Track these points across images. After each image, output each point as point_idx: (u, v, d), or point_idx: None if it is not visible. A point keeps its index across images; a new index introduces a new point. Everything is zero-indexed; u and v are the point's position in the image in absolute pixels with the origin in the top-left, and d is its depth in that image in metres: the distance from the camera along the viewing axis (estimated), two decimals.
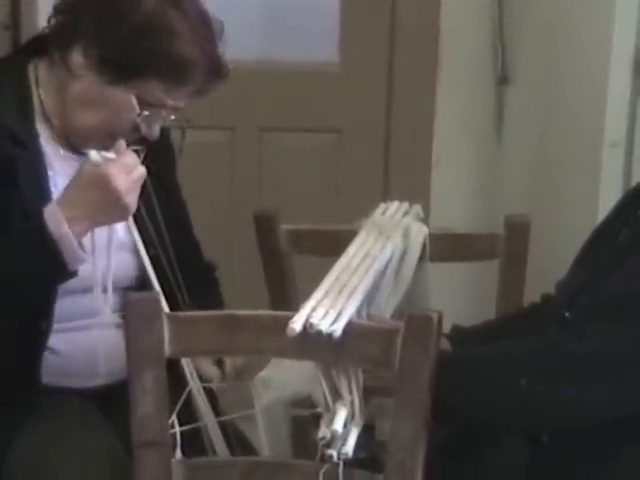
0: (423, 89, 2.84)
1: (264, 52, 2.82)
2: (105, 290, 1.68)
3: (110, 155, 1.58)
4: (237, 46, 2.75)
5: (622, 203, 1.72)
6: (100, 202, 1.57)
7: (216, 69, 1.69)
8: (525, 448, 1.70)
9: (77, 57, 1.65)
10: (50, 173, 1.71)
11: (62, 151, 1.74)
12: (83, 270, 1.63)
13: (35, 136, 1.70)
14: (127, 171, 1.57)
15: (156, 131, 1.69)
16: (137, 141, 1.71)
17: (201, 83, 1.68)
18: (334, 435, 1.45)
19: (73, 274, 1.61)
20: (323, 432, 1.46)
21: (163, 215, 1.83)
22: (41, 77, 1.71)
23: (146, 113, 1.66)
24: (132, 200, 1.58)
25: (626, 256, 1.59)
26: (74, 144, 1.73)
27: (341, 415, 1.48)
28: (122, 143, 1.60)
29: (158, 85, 1.65)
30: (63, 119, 1.71)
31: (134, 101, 1.65)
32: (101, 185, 1.55)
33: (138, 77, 1.64)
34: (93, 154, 1.57)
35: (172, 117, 1.70)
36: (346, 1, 2.82)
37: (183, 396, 1.64)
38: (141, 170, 1.59)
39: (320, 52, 2.86)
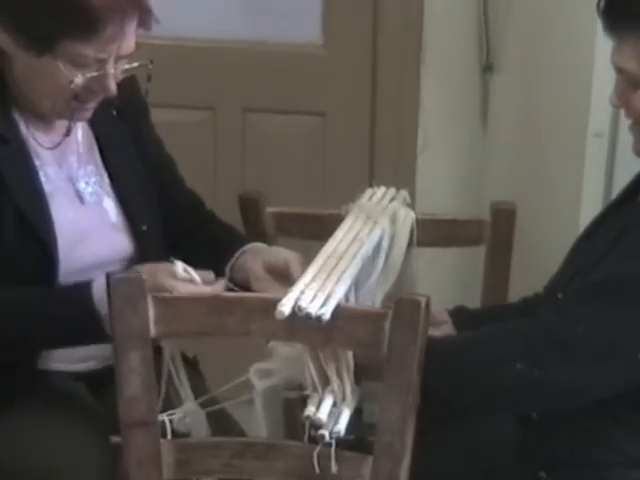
0: (408, 75, 2.83)
1: (247, 31, 2.79)
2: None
3: (197, 278, 1.55)
4: (220, 25, 2.75)
5: (630, 186, 1.72)
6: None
7: (128, 5, 1.59)
8: (514, 425, 1.73)
9: (5, 39, 1.61)
10: (37, 163, 1.69)
11: (42, 141, 1.71)
12: (81, 253, 1.65)
13: (15, 126, 1.67)
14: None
15: (111, 87, 1.63)
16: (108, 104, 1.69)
17: (119, 26, 1.59)
18: (319, 421, 1.46)
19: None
20: (308, 410, 1.48)
21: (150, 164, 1.82)
22: (6, 68, 1.67)
23: (79, 76, 1.60)
24: None
25: (620, 239, 1.60)
26: (50, 119, 1.70)
27: (327, 402, 1.49)
28: (211, 275, 1.57)
29: (80, 44, 1.58)
30: (26, 99, 1.67)
31: (62, 67, 1.59)
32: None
33: (54, 43, 1.58)
34: (179, 266, 1.56)
35: (127, 67, 1.65)
36: None
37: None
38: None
39: (303, 33, 2.83)
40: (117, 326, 1.48)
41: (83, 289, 1.59)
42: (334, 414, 1.49)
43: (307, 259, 1.65)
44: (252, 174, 2.80)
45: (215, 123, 2.81)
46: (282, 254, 1.74)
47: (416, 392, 1.46)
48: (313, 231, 1.92)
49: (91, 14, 1.55)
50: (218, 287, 1.59)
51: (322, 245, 1.69)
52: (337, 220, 1.81)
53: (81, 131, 1.76)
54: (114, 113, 1.77)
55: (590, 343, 1.52)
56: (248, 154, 2.82)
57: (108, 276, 1.48)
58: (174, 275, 1.55)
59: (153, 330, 1.49)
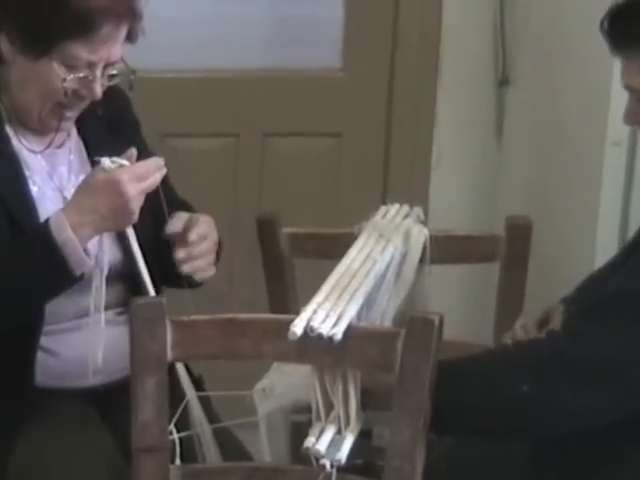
0: (424, 91, 2.84)
1: (268, 59, 2.84)
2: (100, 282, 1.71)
3: (124, 162, 1.63)
4: (241, 53, 2.79)
5: None
6: (108, 208, 1.62)
7: (123, 9, 1.70)
8: (527, 447, 1.69)
9: (5, 45, 1.71)
10: (27, 173, 1.76)
11: (32, 147, 1.78)
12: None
13: (7, 139, 1.75)
14: (138, 179, 1.62)
15: (97, 91, 1.72)
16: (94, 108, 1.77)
17: (115, 26, 1.69)
18: (317, 454, 1.46)
19: (79, 278, 1.64)
20: (308, 442, 1.47)
21: None
22: (1, 81, 1.76)
23: (71, 76, 1.69)
24: (137, 207, 1.62)
25: (634, 251, 1.59)
26: (36, 129, 1.77)
27: (329, 432, 1.48)
28: (133, 150, 1.65)
29: (74, 45, 1.67)
30: (16, 108, 1.76)
31: (56, 68, 1.68)
32: (112, 191, 1.61)
33: (54, 44, 1.67)
34: (106, 162, 1.62)
35: (113, 72, 1.74)
36: (349, 7, 2.84)
37: (181, 407, 1.65)
38: (154, 179, 1.64)
39: (323, 57, 2.87)
40: (136, 350, 1.49)
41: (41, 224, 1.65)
42: (337, 441, 1.48)
43: (321, 279, 1.65)
44: (271, 195, 2.82)
45: (238, 149, 2.84)
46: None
47: (427, 414, 1.44)
48: (327, 250, 1.90)
49: (89, 13, 1.65)
50: (151, 163, 1.65)
51: (336, 264, 1.68)
52: (351, 239, 1.81)
53: (74, 143, 1.84)
54: (106, 127, 1.85)
55: (598, 362, 1.49)
56: (267, 176, 2.85)
57: (130, 300, 1.52)
58: (105, 170, 1.62)
59: (170, 354, 1.51)
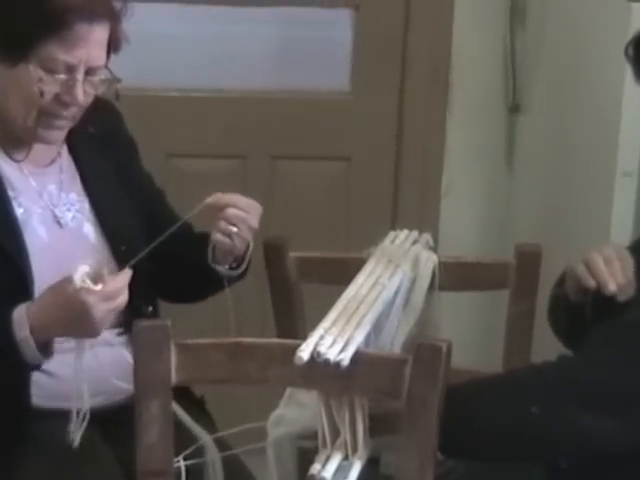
0: (434, 116, 2.84)
1: (276, 80, 2.84)
2: None
3: (95, 288, 1.58)
4: (249, 74, 2.79)
5: None
6: (70, 323, 1.60)
7: (98, 7, 1.70)
8: (541, 474, 1.68)
9: None
10: (12, 194, 1.75)
11: (18, 166, 1.77)
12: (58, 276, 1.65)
13: None
14: (107, 299, 1.59)
15: (78, 95, 1.70)
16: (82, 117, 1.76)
17: (88, 24, 1.68)
18: (323, 479, 1.44)
19: (35, 368, 1.66)
20: (313, 469, 1.45)
21: (135, 196, 1.87)
22: None
23: (48, 76, 1.67)
24: (103, 326, 1.61)
25: None
26: (23, 139, 1.75)
27: (335, 459, 1.47)
28: (104, 271, 1.61)
29: (49, 45, 1.67)
30: (2, 119, 1.75)
31: (33, 70, 1.67)
32: (77, 310, 1.58)
33: (29, 47, 1.67)
34: (77, 278, 1.58)
35: (99, 78, 1.73)
36: (358, 30, 2.84)
37: (193, 447, 1.63)
38: (123, 298, 1.61)
39: (332, 80, 2.87)
40: (140, 373, 1.48)
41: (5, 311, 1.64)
42: (344, 468, 1.46)
43: (329, 304, 1.64)
44: (278, 219, 2.81)
45: (245, 171, 2.83)
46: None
47: (435, 441, 1.43)
48: (336, 275, 1.89)
49: (61, 11, 1.65)
50: (124, 278, 1.61)
51: (344, 289, 1.67)
52: (359, 264, 1.80)
53: (65, 162, 1.83)
54: (98, 145, 1.85)
55: (611, 388, 1.48)
56: (275, 199, 2.84)
57: (133, 322, 1.50)
58: (74, 286, 1.59)
59: (174, 377, 1.50)
